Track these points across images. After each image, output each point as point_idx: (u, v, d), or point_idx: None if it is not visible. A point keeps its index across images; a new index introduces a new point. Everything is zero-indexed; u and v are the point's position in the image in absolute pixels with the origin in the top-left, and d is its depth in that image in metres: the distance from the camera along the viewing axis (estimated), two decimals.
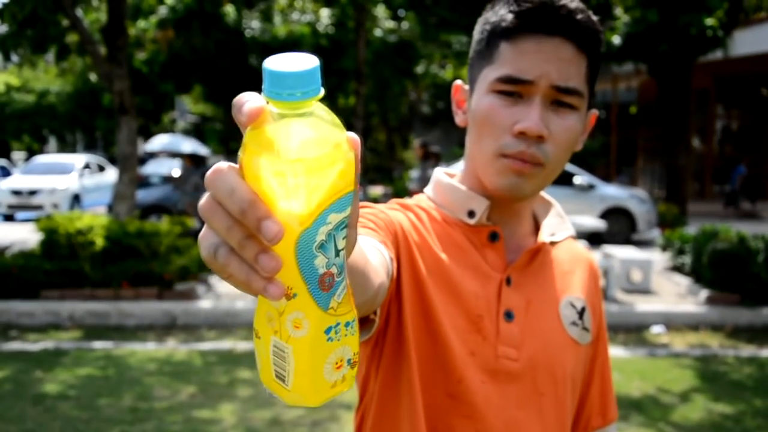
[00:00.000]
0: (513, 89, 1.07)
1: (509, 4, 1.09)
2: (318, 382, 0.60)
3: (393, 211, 1.14)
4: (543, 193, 1.23)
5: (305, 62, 0.54)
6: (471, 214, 1.15)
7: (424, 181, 10.67)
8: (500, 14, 1.10)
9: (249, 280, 0.55)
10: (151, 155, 20.61)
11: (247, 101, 0.54)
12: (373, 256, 0.90)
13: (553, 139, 1.07)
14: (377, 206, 1.12)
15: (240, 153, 0.55)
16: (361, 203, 1.11)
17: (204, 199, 0.55)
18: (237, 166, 0.55)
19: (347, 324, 0.60)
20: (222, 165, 0.55)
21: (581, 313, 1.19)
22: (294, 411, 4.77)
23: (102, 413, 4.73)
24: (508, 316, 1.11)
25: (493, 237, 1.15)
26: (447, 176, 1.22)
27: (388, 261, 0.96)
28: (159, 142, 17.59)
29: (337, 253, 0.56)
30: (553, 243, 1.19)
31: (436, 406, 1.08)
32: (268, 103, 0.54)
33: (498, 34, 1.09)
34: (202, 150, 13.72)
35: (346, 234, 0.57)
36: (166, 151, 15.52)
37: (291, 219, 0.53)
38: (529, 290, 1.14)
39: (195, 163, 12.08)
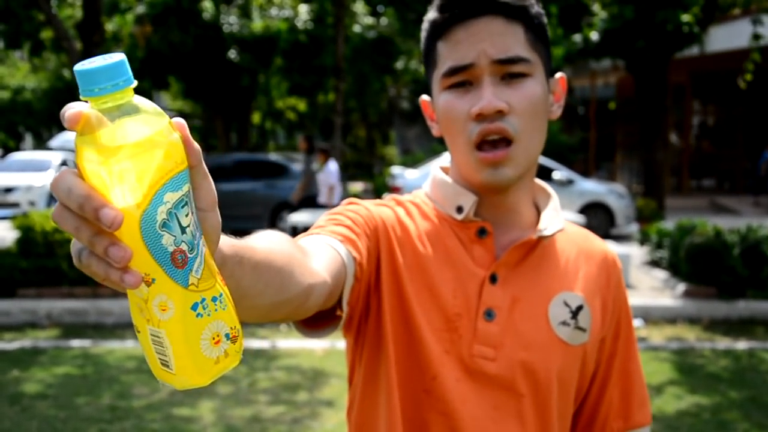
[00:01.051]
0: (459, 79, 1.09)
1: (434, 7, 1.13)
2: (199, 361, 0.63)
3: (380, 207, 1.14)
4: (544, 184, 1.22)
5: (110, 58, 0.57)
6: (459, 209, 1.14)
7: (307, 175, 10.78)
8: (429, 17, 1.14)
9: (108, 275, 0.57)
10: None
11: (69, 109, 0.57)
12: (319, 255, 0.93)
13: (515, 111, 1.07)
14: (363, 202, 1.12)
15: (75, 158, 0.58)
16: (349, 199, 1.14)
17: (54, 207, 0.58)
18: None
19: (214, 299, 0.62)
20: (61, 170, 0.58)
21: (576, 312, 1.14)
22: (274, 408, 4.77)
23: (80, 412, 4.70)
24: (488, 315, 1.09)
25: (482, 233, 1.13)
26: (441, 171, 1.21)
27: (344, 259, 0.98)
28: (62, 138, 16.96)
29: (183, 230, 0.59)
30: (542, 238, 1.14)
31: (413, 400, 1.09)
32: (89, 104, 0.58)
33: (433, 37, 1.13)
34: None
35: (188, 211, 0.59)
36: (67, 149, 14.99)
37: (128, 205, 0.56)
38: (518, 288, 1.12)
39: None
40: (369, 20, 19.89)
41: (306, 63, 18.05)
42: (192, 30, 15.67)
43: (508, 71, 1.07)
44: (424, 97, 1.21)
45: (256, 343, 6.35)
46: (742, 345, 6.30)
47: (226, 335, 0.64)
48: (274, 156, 14.39)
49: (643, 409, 1.21)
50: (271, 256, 0.78)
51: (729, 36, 13.97)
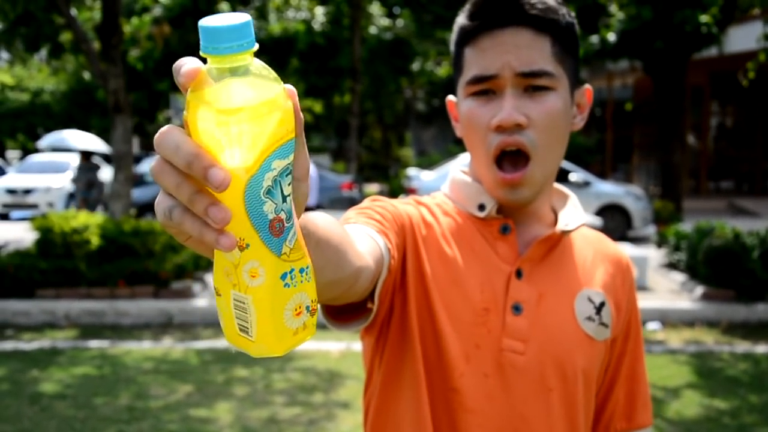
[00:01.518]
0: (482, 88, 1.10)
1: (464, 12, 1.14)
2: (280, 330, 0.63)
3: (405, 205, 1.16)
4: (560, 187, 1.23)
5: (238, 18, 0.57)
6: (481, 207, 1.16)
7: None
8: (459, 24, 1.15)
9: (202, 234, 0.57)
10: (147, 154, 20.55)
11: (185, 64, 0.56)
12: (361, 240, 0.93)
13: (535, 125, 1.08)
14: (389, 200, 1.13)
15: (184, 113, 0.57)
16: (373, 196, 1.14)
17: (154, 161, 0.57)
18: (182, 126, 0.57)
19: (302, 270, 0.63)
20: (167, 126, 0.57)
21: (599, 308, 1.16)
22: (290, 410, 4.77)
23: (98, 412, 4.73)
24: (516, 309, 1.10)
25: (505, 229, 1.15)
26: (461, 173, 1.22)
27: (382, 249, 0.98)
28: (49, 138, 17.02)
29: (284, 198, 0.59)
30: (565, 233, 1.16)
31: (440, 399, 1.09)
32: (206, 61, 0.57)
33: (461, 43, 1.14)
34: (97, 144, 13.24)
35: (291, 180, 0.60)
36: (55, 147, 14.95)
37: (237, 167, 0.56)
38: (543, 283, 1.14)
39: (88, 160, 11.95)
40: (385, 22, 19.90)
41: (322, 64, 18.10)
42: None
43: (531, 84, 1.08)
44: (451, 98, 1.22)
45: None
46: (761, 348, 6.24)
47: (307, 307, 0.65)
48: None
49: (646, 411, 1.23)
50: (330, 233, 0.78)
51: (748, 36, 13.84)
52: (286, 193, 0.59)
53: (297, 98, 0.60)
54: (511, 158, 1.10)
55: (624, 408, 1.21)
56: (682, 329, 6.87)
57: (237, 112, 0.55)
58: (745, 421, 4.60)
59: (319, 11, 17.46)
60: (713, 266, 7.40)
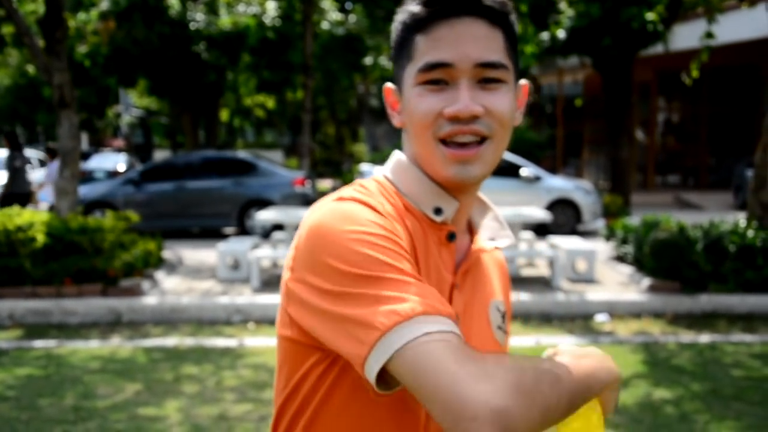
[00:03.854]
0: (436, 76, 1.08)
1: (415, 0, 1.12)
2: None
3: (388, 222, 1.05)
4: (481, 195, 1.22)
5: None
6: (438, 211, 1.13)
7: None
8: (410, 9, 1.12)
9: None
10: (96, 150, 20.15)
11: None
12: None
13: (489, 114, 1.07)
14: (387, 235, 1.01)
15: None
16: (370, 231, 1.00)
17: None
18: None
19: None
20: None
21: (503, 317, 1.22)
22: (241, 406, 4.74)
23: (43, 413, 4.63)
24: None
25: (451, 237, 1.14)
26: (410, 163, 1.15)
27: None
28: None
29: None
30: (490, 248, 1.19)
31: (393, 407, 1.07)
32: None
33: (412, 30, 1.11)
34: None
35: None
36: None
37: None
38: (468, 294, 1.16)
39: (12, 144, 11.38)
40: (337, 17, 19.84)
41: (274, 60, 17.96)
42: (157, 27, 15.48)
43: (486, 76, 1.08)
44: (389, 85, 1.19)
45: (222, 342, 6.31)
46: (704, 338, 6.40)
47: None
48: (242, 153, 14.28)
49: None
50: None
51: (693, 34, 14.15)
52: None
53: None
54: (461, 144, 1.08)
55: None
56: (630, 320, 7.01)
57: None
58: (687, 409, 4.71)
59: (271, 6, 17.31)
60: (659, 259, 7.56)
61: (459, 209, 1.15)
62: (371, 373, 0.93)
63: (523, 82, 1.18)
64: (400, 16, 1.14)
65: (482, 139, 1.08)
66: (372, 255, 0.97)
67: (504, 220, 1.23)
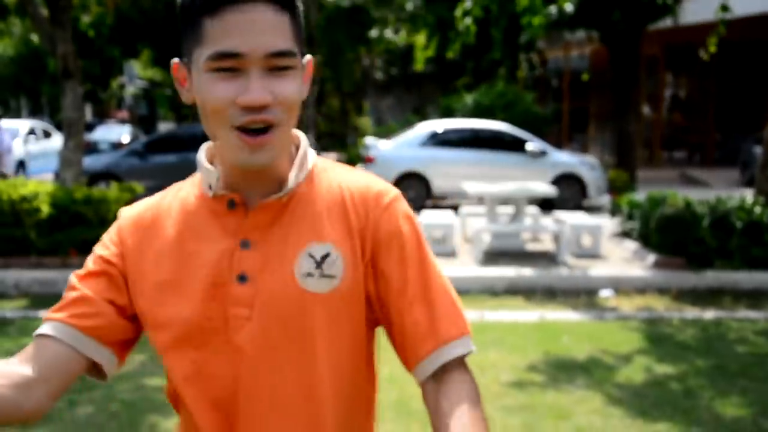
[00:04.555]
0: (227, 65, 1.09)
1: None
2: None
3: (108, 245, 1.27)
4: (298, 133, 1.24)
5: None
6: (210, 187, 1.19)
7: None
8: None
9: None
10: (100, 121, 20.12)
11: None
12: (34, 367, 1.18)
13: (279, 103, 1.11)
14: (99, 252, 1.28)
15: None
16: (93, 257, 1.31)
17: None
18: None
19: None
20: None
21: (321, 261, 1.16)
22: None
23: None
24: (241, 278, 1.16)
25: (231, 204, 1.18)
26: (203, 151, 1.24)
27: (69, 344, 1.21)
28: None
29: None
30: (284, 195, 1.17)
31: (187, 377, 1.22)
32: None
33: (200, 11, 1.10)
34: None
35: None
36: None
37: None
38: (270, 248, 1.17)
39: None
40: None
41: None
42: None
43: (277, 65, 1.10)
44: (176, 61, 1.19)
45: None
46: (709, 314, 6.40)
47: None
48: None
49: (453, 324, 1.19)
50: None
51: (702, 8, 14.01)
52: None
53: None
54: (254, 131, 1.11)
55: (426, 329, 1.18)
56: (634, 296, 7.01)
57: None
58: (691, 384, 4.72)
59: None
60: (665, 234, 7.54)
61: (240, 176, 1.17)
62: None
63: (307, 57, 1.19)
64: None
65: (270, 126, 1.11)
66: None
67: (307, 156, 1.23)
